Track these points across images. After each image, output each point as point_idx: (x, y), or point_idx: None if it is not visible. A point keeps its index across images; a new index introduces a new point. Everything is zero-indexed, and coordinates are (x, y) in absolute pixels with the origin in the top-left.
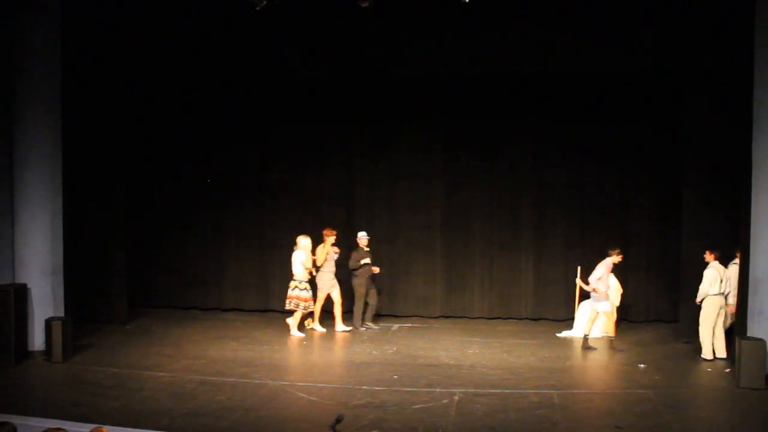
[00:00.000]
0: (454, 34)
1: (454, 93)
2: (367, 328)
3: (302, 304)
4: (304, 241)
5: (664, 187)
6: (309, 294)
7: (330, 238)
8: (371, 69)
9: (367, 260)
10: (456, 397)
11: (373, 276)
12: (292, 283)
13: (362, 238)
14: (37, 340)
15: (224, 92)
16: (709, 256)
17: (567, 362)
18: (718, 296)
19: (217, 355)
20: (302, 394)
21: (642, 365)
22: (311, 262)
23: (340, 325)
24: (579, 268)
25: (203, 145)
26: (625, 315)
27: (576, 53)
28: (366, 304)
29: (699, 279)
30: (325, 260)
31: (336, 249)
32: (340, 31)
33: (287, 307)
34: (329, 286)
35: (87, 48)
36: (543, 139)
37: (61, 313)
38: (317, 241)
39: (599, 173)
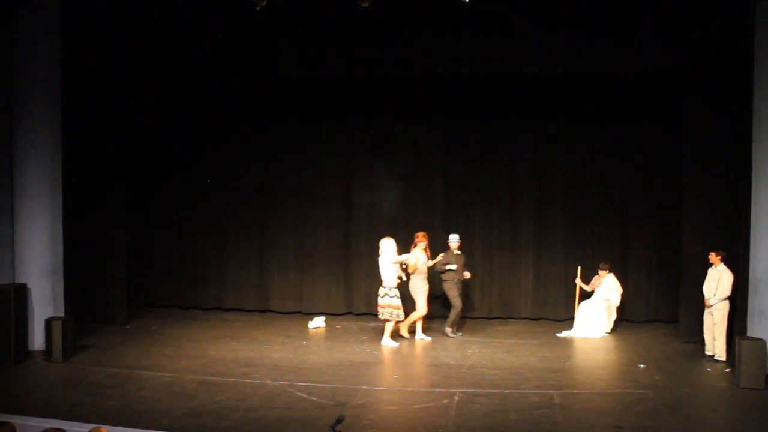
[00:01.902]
0: (454, 34)
1: (454, 93)
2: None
3: (395, 312)
4: (388, 245)
5: (664, 187)
6: (399, 301)
7: (421, 243)
8: (371, 69)
9: (453, 266)
10: (456, 397)
11: (464, 281)
12: (382, 291)
13: (453, 241)
14: (37, 340)
15: (224, 92)
16: (714, 258)
17: (567, 362)
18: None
19: (217, 355)
20: (302, 394)
21: (642, 365)
22: (401, 265)
23: (418, 332)
24: (579, 268)
25: (203, 145)
26: (625, 315)
27: (576, 53)
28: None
29: (699, 279)
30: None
31: (429, 262)
32: (340, 31)
33: (380, 317)
34: (422, 292)
35: (87, 48)
36: (543, 139)
37: (61, 313)
38: (315, 241)
39: (599, 173)
